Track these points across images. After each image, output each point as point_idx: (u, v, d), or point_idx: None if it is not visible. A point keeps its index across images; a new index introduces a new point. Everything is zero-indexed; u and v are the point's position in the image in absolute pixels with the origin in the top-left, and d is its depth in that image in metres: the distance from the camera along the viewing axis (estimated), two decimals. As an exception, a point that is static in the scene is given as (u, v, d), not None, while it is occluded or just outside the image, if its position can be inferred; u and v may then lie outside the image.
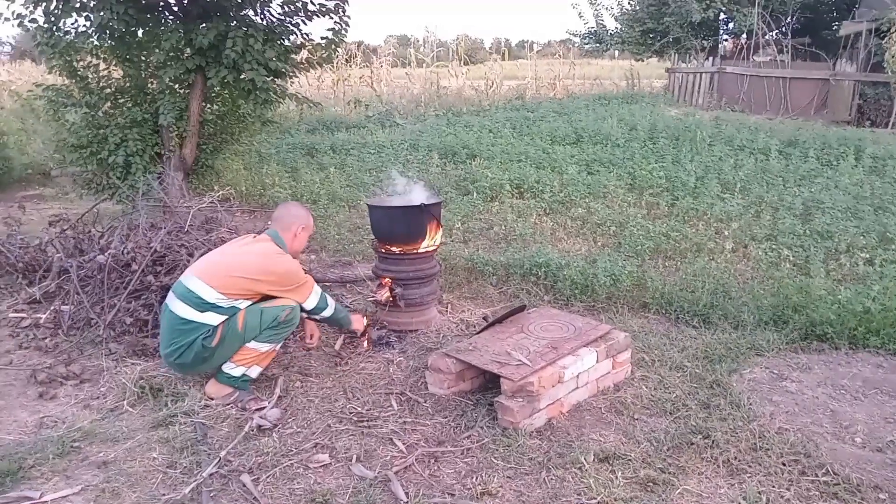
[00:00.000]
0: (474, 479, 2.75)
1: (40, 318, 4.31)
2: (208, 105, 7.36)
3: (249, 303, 3.36)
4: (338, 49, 7.44)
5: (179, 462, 2.84)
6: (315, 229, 3.80)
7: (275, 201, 7.31)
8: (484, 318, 4.06)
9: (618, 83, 17.13)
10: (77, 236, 5.03)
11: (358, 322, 3.90)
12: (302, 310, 3.53)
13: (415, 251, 4.06)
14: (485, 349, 3.42)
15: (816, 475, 2.78)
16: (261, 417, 3.18)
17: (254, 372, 3.44)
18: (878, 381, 3.57)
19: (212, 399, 3.35)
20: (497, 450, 2.96)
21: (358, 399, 3.43)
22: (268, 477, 2.76)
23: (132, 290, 4.19)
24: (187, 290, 3.30)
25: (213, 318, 3.28)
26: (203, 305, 3.27)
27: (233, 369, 3.36)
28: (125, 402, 3.36)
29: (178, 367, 3.39)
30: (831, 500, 2.65)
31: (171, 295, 3.39)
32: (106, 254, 4.36)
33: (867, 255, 4.91)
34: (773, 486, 2.72)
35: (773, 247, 5.23)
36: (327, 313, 3.65)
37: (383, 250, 4.16)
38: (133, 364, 3.73)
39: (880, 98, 12.46)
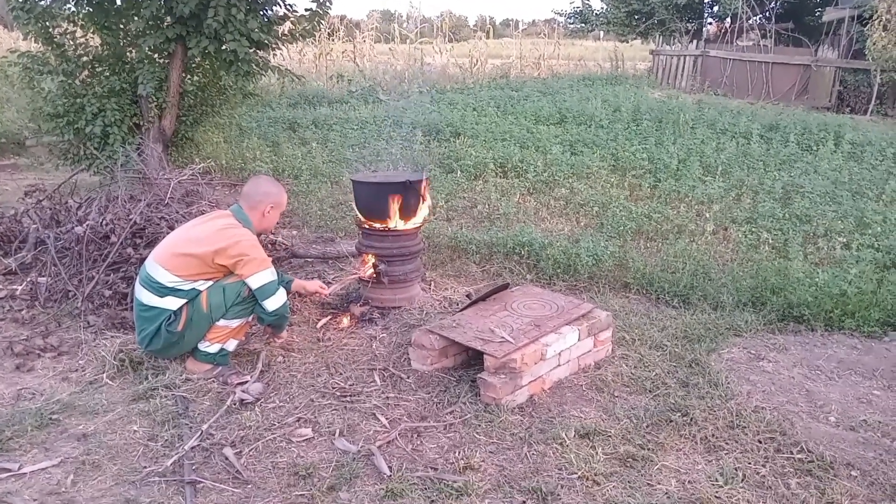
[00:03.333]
0: (457, 454, 2.77)
1: (16, 289, 4.23)
2: (188, 76, 7.21)
3: (210, 283, 3.26)
4: (321, 22, 7.32)
5: (160, 435, 2.83)
6: (287, 206, 3.61)
7: (255, 175, 7.24)
8: (467, 296, 4.06)
9: (602, 64, 17.11)
10: (54, 207, 4.93)
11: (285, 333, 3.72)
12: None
13: (398, 228, 4.04)
14: (468, 326, 3.43)
15: (791, 452, 2.84)
16: (243, 392, 3.17)
17: (231, 346, 3.41)
18: (852, 363, 3.65)
19: (192, 374, 3.33)
20: (479, 425, 2.98)
21: (341, 374, 3.42)
22: (250, 450, 2.75)
23: (111, 263, 4.13)
24: (147, 275, 3.26)
25: (173, 303, 3.22)
26: (162, 290, 3.21)
27: (208, 347, 3.33)
28: (104, 374, 3.32)
29: (152, 353, 3.36)
30: (805, 476, 2.71)
31: (136, 281, 3.34)
32: (84, 225, 4.28)
33: (844, 240, 4.99)
34: (749, 463, 2.77)
35: (753, 229, 5.29)
36: (275, 302, 3.31)
37: (367, 226, 4.13)
38: (112, 337, 3.69)
39: (860, 85, 12.60)
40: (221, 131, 8.13)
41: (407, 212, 4.02)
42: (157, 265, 3.24)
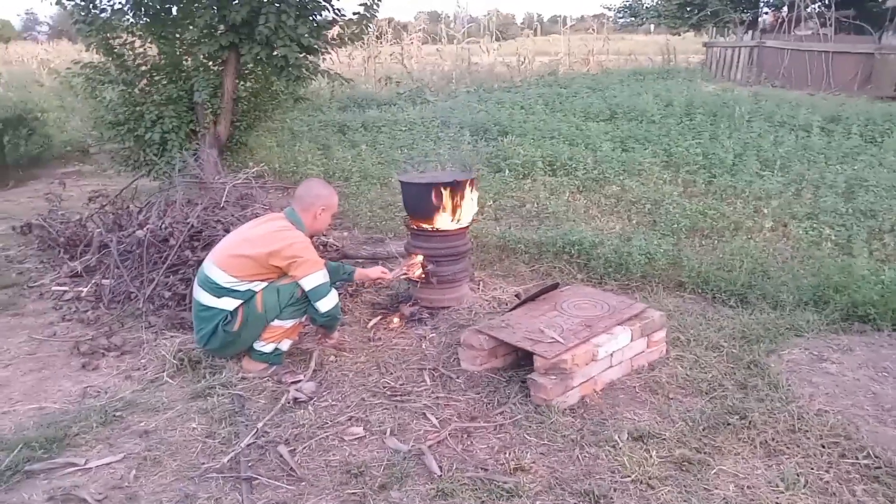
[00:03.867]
0: (507, 455, 2.76)
1: (82, 291, 4.41)
2: (242, 82, 7.39)
3: (265, 284, 3.34)
4: (369, 25, 7.39)
5: (218, 432, 2.91)
6: (339, 208, 3.67)
7: (307, 178, 7.37)
8: (517, 296, 4.04)
9: (653, 58, 16.78)
10: (116, 212, 5.13)
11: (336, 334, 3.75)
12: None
13: (446, 228, 4.05)
14: (518, 326, 3.41)
15: (857, 458, 2.73)
16: (296, 390, 3.23)
17: (285, 345, 3.49)
18: (922, 364, 3.48)
19: (248, 373, 3.41)
20: (530, 426, 2.96)
21: (391, 374, 3.45)
22: (304, 448, 2.80)
23: (170, 265, 4.26)
24: (205, 277, 3.35)
25: (229, 304, 3.31)
26: (219, 291, 3.30)
27: (263, 346, 3.42)
28: (165, 373, 3.44)
29: (210, 352, 3.46)
30: (872, 483, 2.60)
31: (195, 282, 3.44)
32: (144, 229, 4.44)
33: (912, 235, 4.76)
34: (812, 468, 2.67)
35: (814, 225, 5.10)
36: (327, 304, 3.37)
37: (415, 227, 4.15)
38: (172, 336, 3.81)
39: (929, 72, 12.01)
40: (274, 136, 8.31)
41: (454, 211, 4.02)
42: (214, 266, 3.33)
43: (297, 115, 9.15)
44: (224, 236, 4.18)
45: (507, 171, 6.74)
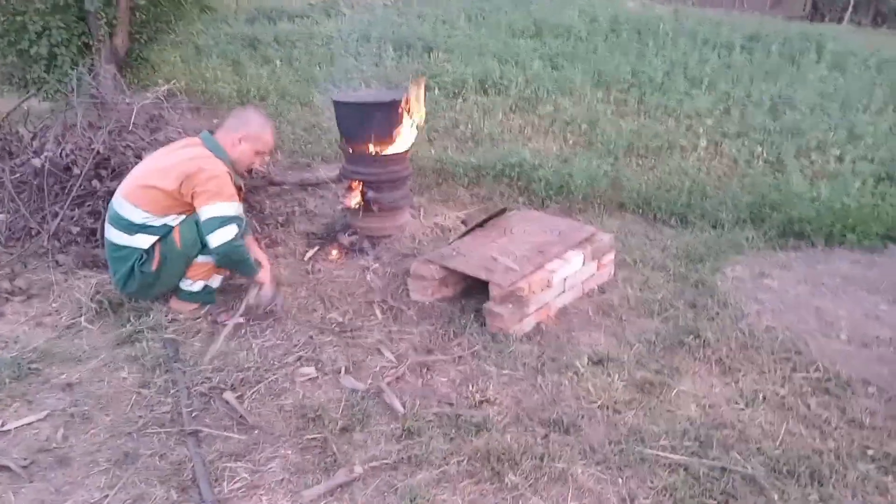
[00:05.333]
0: (470, 387, 2.66)
1: (-28, 228, 3.89)
2: (139, -11, 6.63)
3: (182, 217, 2.95)
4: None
5: (153, 381, 2.64)
6: (269, 148, 3.18)
7: (219, 97, 6.80)
8: (462, 223, 3.88)
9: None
10: (4, 137, 4.51)
11: (265, 273, 3.16)
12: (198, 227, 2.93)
13: (387, 152, 3.78)
14: (469, 254, 3.27)
15: (808, 371, 2.80)
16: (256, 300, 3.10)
17: (215, 282, 3.17)
18: (856, 278, 3.61)
19: (179, 314, 3.11)
20: (489, 356, 2.86)
21: (337, 308, 3.25)
22: (252, 394, 2.59)
23: (75, 197, 3.79)
24: (115, 212, 2.96)
25: (143, 241, 2.94)
26: (131, 227, 2.92)
27: (191, 285, 3.08)
28: (82, 318, 3.08)
29: (130, 294, 3.10)
30: (824, 395, 2.68)
31: (105, 219, 3.05)
32: (41, 157, 3.91)
33: (838, 152, 4.90)
34: (768, 384, 2.73)
35: (745, 143, 5.17)
36: (218, 237, 2.86)
37: (351, 151, 3.86)
38: (85, 277, 3.42)
39: (835, -8, 12.36)
40: (178, 50, 7.57)
41: (396, 133, 3.75)
42: (123, 200, 2.94)
43: (201, 27, 8.35)
44: (135, 164, 3.74)
45: (437, 90, 6.43)
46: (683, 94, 6.24)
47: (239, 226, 2.97)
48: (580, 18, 9.16)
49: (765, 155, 4.94)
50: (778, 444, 2.39)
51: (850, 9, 11.60)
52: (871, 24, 11.61)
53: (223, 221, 2.90)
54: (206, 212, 2.89)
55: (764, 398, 2.64)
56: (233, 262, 3.04)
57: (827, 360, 2.86)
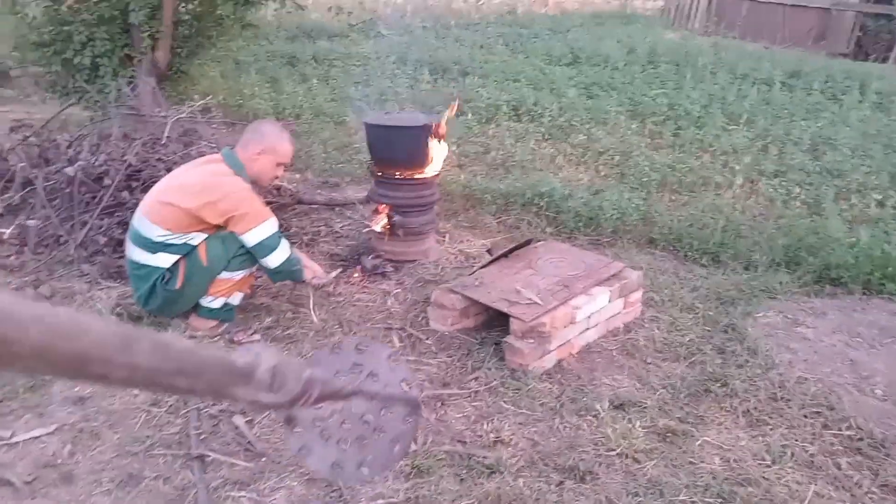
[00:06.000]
0: (485, 426, 2.58)
1: (4, 233, 3.95)
2: (183, 4, 6.73)
3: (205, 234, 2.93)
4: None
5: (164, 400, 2.62)
6: (288, 159, 3.16)
7: (255, 113, 6.86)
8: (488, 251, 3.82)
9: (610, 1, 16.43)
10: (42, 144, 4.60)
11: (312, 273, 3.26)
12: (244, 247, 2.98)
13: (417, 176, 3.75)
14: (492, 285, 3.20)
15: (840, 429, 2.67)
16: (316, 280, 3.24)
17: (236, 299, 3.16)
18: (894, 330, 3.45)
19: (196, 331, 3.10)
20: (507, 393, 2.79)
21: (355, 333, 3.20)
22: (262, 419, 2.55)
23: (105, 207, 3.84)
24: (135, 230, 2.96)
25: (165, 260, 2.92)
26: (152, 246, 2.90)
27: (212, 302, 3.07)
28: (101, 330, 3.08)
29: (153, 311, 3.10)
30: (856, 455, 2.54)
31: (127, 235, 3.05)
32: (75, 165, 3.97)
33: (880, 196, 4.73)
34: (797, 440, 2.60)
35: (783, 183, 5.02)
36: (278, 258, 2.99)
37: (380, 174, 3.84)
38: (108, 287, 3.44)
39: (881, 31, 12.11)
40: (218, 65, 7.69)
41: (426, 158, 3.72)
42: (143, 218, 2.94)
43: (242, 43, 8.49)
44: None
45: (469, 115, 6.41)
46: (720, 129, 6.12)
47: (286, 239, 3.07)
48: (618, 48, 9.11)
49: (803, 196, 4.79)
50: (806, 506, 2.26)
51: (897, 48, 11.34)
52: (919, 65, 11.32)
53: (273, 242, 2.97)
54: (252, 238, 2.94)
55: (792, 455, 2.51)
56: (290, 273, 3.14)
57: (861, 418, 2.71)
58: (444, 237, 4.29)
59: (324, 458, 1.60)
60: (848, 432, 2.65)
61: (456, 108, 4.01)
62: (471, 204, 4.79)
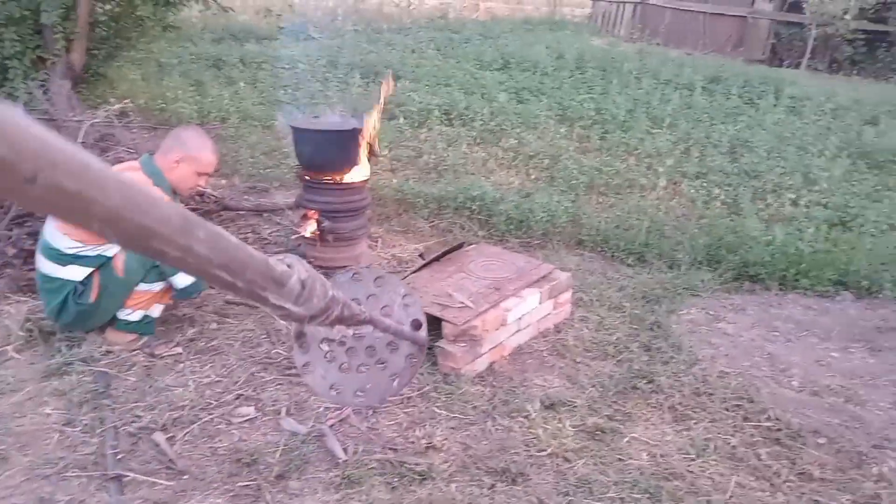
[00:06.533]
0: (417, 432, 2.56)
1: None
2: (100, 4, 6.45)
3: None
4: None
5: (78, 419, 2.48)
6: (211, 168, 3.01)
7: (178, 117, 6.63)
8: (420, 256, 3.81)
9: (539, 7, 16.74)
10: (-58, 151, 4.30)
11: None
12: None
13: (346, 180, 3.70)
14: (424, 290, 3.18)
15: (759, 421, 2.77)
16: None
17: (155, 312, 3.01)
18: (808, 324, 3.62)
19: (114, 346, 2.95)
20: (439, 398, 2.77)
21: (284, 343, 3.12)
22: (185, 435, 2.45)
23: (14, 216, 3.62)
24: (45, 242, 2.80)
25: (77, 273, 2.77)
26: (62, 258, 2.75)
27: (129, 315, 2.91)
28: (10, 346, 2.90)
29: (66, 326, 2.93)
30: (774, 445, 2.64)
31: (37, 248, 2.88)
32: (-21, 173, 3.73)
33: (793, 196, 4.97)
34: (719, 433, 2.69)
35: (704, 184, 5.21)
36: (185, 278, 2.86)
37: (309, 178, 3.77)
38: (17, 302, 3.24)
39: (794, 38, 12.76)
40: (138, 67, 7.41)
41: (356, 162, 3.68)
42: (53, 229, 2.77)
43: (164, 45, 8.21)
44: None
45: (401, 119, 6.39)
46: (645, 133, 6.31)
47: None
48: (547, 53, 9.28)
49: (722, 196, 4.98)
50: (728, 497, 2.34)
51: (808, 54, 11.97)
52: (828, 70, 11.99)
53: None
54: None
55: (715, 448, 2.59)
56: (195, 294, 3.00)
57: (779, 409, 2.83)
58: (376, 242, 4.25)
59: (324, 379, 1.67)
60: (767, 424, 2.76)
61: (390, 85, 3.99)
62: (403, 208, 4.77)
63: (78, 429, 2.43)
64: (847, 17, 11.59)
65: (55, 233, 2.76)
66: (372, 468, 2.33)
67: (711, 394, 2.91)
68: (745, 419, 2.77)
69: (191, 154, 2.92)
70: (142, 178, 2.83)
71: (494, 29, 12.14)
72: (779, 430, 2.72)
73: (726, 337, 3.44)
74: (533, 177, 5.42)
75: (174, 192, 2.96)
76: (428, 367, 2.95)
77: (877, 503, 2.36)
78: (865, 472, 2.52)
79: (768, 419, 2.77)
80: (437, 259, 3.51)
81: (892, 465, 2.57)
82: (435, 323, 3.04)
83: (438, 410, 2.70)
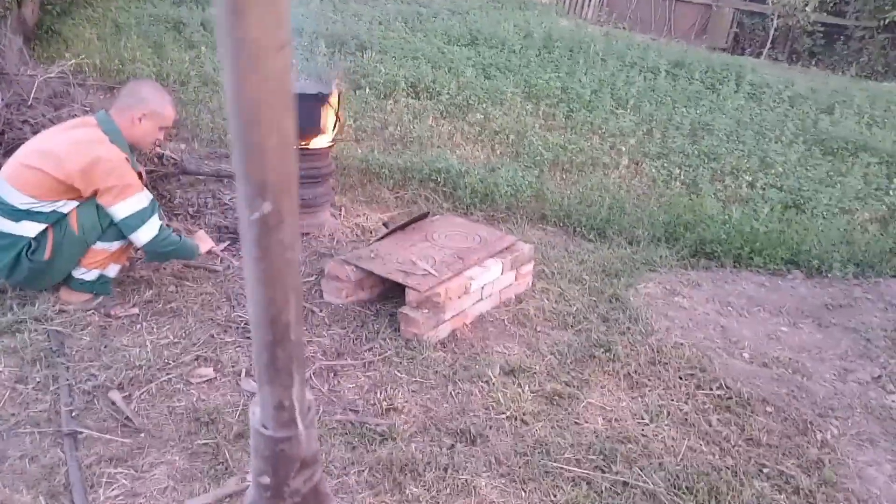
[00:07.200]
0: (378, 395, 2.57)
1: None
2: (53, -42, 6.21)
3: (75, 202, 2.71)
4: None
5: (31, 376, 2.42)
6: (171, 122, 2.95)
7: (135, 78, 6.45)
8: (384, 225, 3.79)
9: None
10: None
11: (205, 242, 3.16)
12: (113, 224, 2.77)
13: (309, 147, 3.66)
14: (388, 257, 3.18)
15: (711, 389, 2.86)
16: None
17: (112, 271, 2.93)
18: (760, 299, 3.74)
19: (68, 305, 2.88)
20: (401, 363, 2.79)
21: (243, 307, 3.08)
22: (142, 394, 2.42)
23: (-39, 172, 3.48)
24: None
25: (31, 228, 2.68)
26: (15, 213, 2.66)
27: (85, 274, 2.85)
28: (-43, 304, 2.81)
29: (17, 284, 2.85)
30: (725, 412, 2.74)
31: None
32: (-76, 125, 3.57)
33: (749, 178, 5.10)
34: (672, 400, 2.77)
35: (665, 165, 5.31)
36: (145, 234, 2.76)
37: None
38: (-35, 259, 3.13)
39: (756, 28, 12.99)
40: (94, 26, 7.15)
41: (320, 128, 3.63)
42: (5, 183, 2.67)
43: (122, 4, 7.95)
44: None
45: (367, 90, 6.32)
46: (609, 113, 6.37)
47: (160, 216, 2.83)
48: (515, 31, 9.26)
49: (682, 177, 5.08)
50: (679, 459, 2.42)
51: (769, 44, 12.21)
52: (787, 60, 12.26)
53: (142, 217, 2.75)
54: (119, 212, 2.71)
55: (668, 413, 2.67)
56: (165, 254, 2.93)
57: (730, 379, 2.93)
58: (339, 211, 4.22)
59: None
60: (718, 392, 2.85)
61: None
62: (368, 179, 4.73)
63: (30, 386, 2.38)
64: (808, 9, 11.85)
65: (7, 186, 2.67)
66: (332, 428, 2.34)
67: (666, 363, 2.99)
68: (698, 387, 2.86)
69: (155, 110, 2.85)
70: (98, 136, 2.75)
71: (462, 5, 12.03)
72: (729, 398, 2.81)
73: (682, 310, 3.53)
74: (498, 152, 5.43)
75: (131, 150, 2.88)
76: (390, 333, 2.97)
77: (820, 468, 2.47)
78: (810, 438, 2.63)
79: (720, 388, 2.87)
80: (402, 227, 3.50)
81: (835, 433, 2.69)
82: (398, 291, 3.06)
83: (400, 375, 2.72)
